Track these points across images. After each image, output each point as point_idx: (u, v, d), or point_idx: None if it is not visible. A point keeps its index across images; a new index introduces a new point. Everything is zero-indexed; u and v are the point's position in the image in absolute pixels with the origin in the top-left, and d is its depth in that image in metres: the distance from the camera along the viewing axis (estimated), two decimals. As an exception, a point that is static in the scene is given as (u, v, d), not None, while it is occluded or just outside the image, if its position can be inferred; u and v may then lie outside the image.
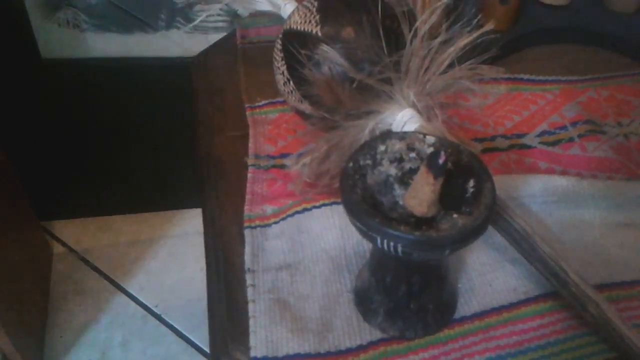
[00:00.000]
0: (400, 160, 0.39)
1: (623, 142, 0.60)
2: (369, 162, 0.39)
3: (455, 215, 0.36)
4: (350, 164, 0.38)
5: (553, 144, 0.60)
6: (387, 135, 0.40)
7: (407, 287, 0.41)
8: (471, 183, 0.37)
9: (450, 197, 0.37)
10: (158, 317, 1.31)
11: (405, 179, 0.39)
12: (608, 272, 0.47)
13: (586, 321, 0.42)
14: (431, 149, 0.39)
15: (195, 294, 1.34)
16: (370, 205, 0.36)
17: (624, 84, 0.68)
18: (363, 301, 0.44)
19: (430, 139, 0.40)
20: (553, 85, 0.68)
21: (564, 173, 0.56)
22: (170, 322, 1.30)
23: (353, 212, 0.35)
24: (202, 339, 1.27)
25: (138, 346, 1.26)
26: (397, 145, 0.39)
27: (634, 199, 0.52)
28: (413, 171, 0.39)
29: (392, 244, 0.34)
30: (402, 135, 0.40)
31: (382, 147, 0.39)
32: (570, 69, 0.70)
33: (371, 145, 0.39)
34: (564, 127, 0.62)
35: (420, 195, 0.35)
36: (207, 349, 1.24)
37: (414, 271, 0.40)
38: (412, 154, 0.39)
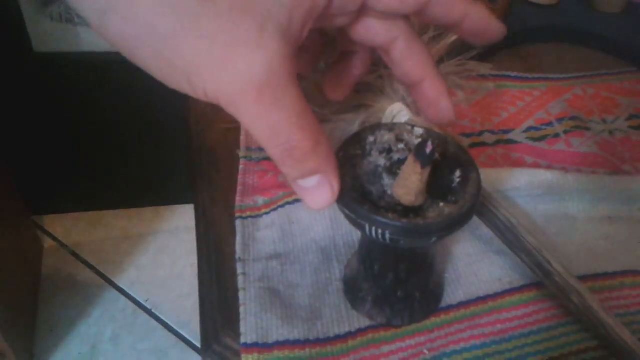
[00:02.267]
0: (389, 151, 0.40)
1: (607, 138, 0.62)
2: (358, 152, 0.40)
3: (441, 204, 0.37)
4: (341, 154, 0.39)
5: (539, 139, 0.61)
6: (376, 126, 0.41)
7: (395, 275, 0.41)
8: (457, 173, 0.38)
9: (437, 187, 0.38)
10: (148, 312, 1.31)
11: (393, 169, 0.39)
12: (591, 263, 0.49)
13: (569, 310, 0.44)
14: (419, 140, 0.40)
15: (186, 288, 1.35)
16: (359, 194, 0.37)
17: (609, 82, 0.70)
18: (351, 289, 0.45)
19: (419, 130, 0.40)
20: (540, 83, 0.69)
21: (549, 167, 0.57)
22: (161, 316, 1.30)
23: (342, 200, 0.36)
24: (192, 334, 1.27)
25: (128, 340, 1.26)
26: (386, 136, 0.40)
27: (617, 193, 0.53)
28: (401, 161, 0.39)
29: (380, 231, 0.35)
30: (391, 127, 0.41)
31: (371, 138, 0.40)
32: (557, 67, 0.71)
33: (361, 135, 0.40)
34: (550, 124, 0.63)
35: (408, 184, 0.36)
36: (197, 344, 1.25)
37: (401, 259, 0.41)
38: (401, 145, 0.40)
